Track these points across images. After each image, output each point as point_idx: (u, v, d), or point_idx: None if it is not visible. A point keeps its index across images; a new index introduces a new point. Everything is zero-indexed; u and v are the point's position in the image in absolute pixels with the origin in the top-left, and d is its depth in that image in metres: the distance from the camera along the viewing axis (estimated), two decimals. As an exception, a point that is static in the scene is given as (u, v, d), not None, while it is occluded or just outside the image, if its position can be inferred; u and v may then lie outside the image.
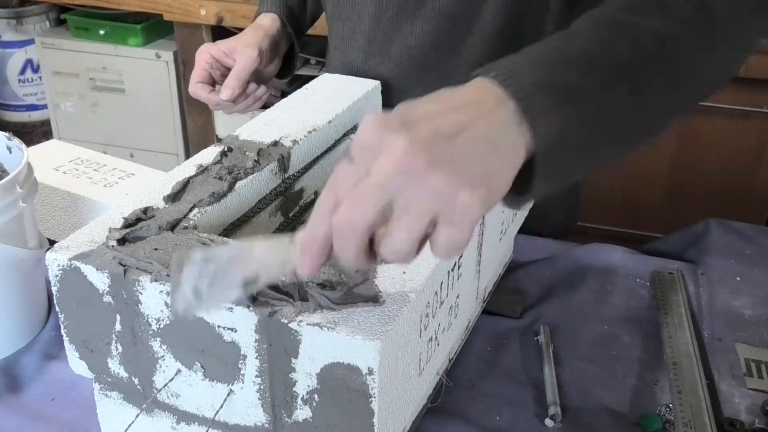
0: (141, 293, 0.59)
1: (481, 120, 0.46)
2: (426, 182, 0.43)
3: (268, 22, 1.09)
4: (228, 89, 0.99)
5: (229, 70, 1.02)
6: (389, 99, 1.05)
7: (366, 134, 0.46)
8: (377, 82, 0.95)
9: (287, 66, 1.14)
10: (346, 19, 1.07)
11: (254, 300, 0.56)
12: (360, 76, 1.05)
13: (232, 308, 0.56)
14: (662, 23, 0.53)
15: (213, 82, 1.04)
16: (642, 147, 0.56)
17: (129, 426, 0.66)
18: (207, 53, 1.02)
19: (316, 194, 0.87)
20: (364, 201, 0.44)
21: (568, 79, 0.49)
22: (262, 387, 0.59)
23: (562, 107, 0.48)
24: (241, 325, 0.57)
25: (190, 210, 0.68)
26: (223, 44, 1.04)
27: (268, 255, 0.51)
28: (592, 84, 0.49)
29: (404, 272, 0.60)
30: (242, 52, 1.01)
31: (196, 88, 1.02)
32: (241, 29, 2.40)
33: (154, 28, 2.38)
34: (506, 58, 0.50)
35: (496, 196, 0.46)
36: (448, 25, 0.99)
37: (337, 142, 0.90)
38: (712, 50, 0.56)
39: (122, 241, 0.62)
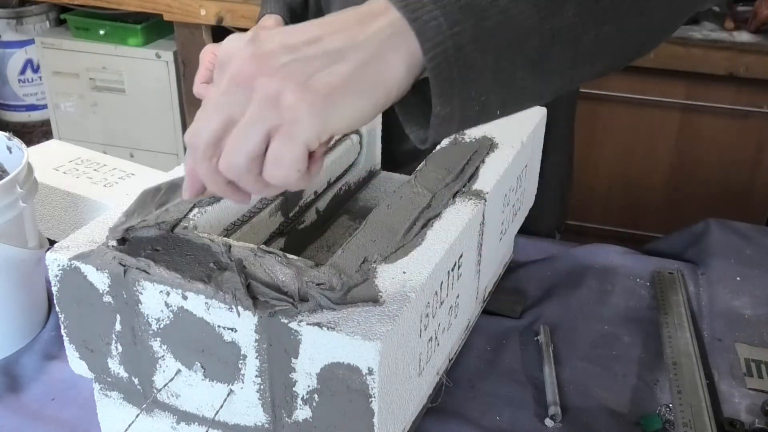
0: (141, 293, 0.59)
1: (344, 32, 0.42)
2: (255, 88, 0.41)
3: (272, 23, 1.09)
4: None
5: None
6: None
7: (224, 47, 0.44)
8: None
9: None
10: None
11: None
12: None
13: (232, 308, 0.56)
14: None
15: None
16: (562, 82, 0.47)
17: (129, 426, 0.66)
18: (211, 53, 1.02)
19: (316, 194, 0.87)
20: (205, 115, 0.43)
21: None
22: (262, 387, 0.59)
23: (458, 13, 0.41)
24: (241, 325, 0.57)
25: (190, 210, 0.68)
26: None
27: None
28: None
29: (404, 272, 0.60)
30: None
31: (201, 89, 1.02)
32: (240, 29, 2.40)
33: (154, 28, 2.38)
34: None
35: (344, 112, 0.42)
36: None
37: (337, 142, 0.90)
38: None
39: (122, 241, 0.62)
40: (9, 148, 0.87)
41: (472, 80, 0.42)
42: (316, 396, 0.57)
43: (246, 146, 0.42)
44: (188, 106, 2.37)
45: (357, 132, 0.94)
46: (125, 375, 0.65)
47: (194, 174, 0.46)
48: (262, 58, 0.42)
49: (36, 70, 2.67)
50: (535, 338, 0.87)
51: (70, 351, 0.66)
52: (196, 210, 0.68)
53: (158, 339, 0.61)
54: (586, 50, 0.45)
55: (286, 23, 1.10)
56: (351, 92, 0.42)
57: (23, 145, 0.85)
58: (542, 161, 0.99)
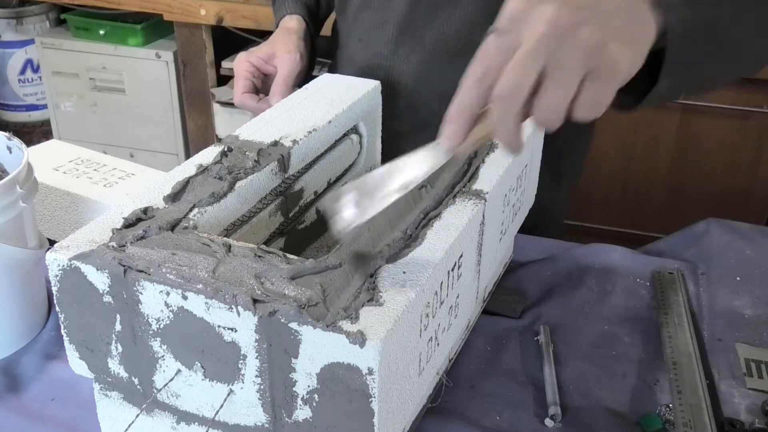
0: (141, 293, 0.59)
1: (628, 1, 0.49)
2: (577, 37, 0.45)
3: (296, 24, 1.07)
4: (278, 96, 0.98)
5: (268, 76, 1.01)
6: (417, 87, 1.04)
7: (515, 5, 0.48)
8: (377, 82, 0.95)
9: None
10: (378, 8, 1.05)
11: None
12: (385, 67, 1.03)
13: (232, 308, 0.56)
14: None
15: (257, 91, 1.02)
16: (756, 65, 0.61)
17: (129, 426, 0.66)
18: (247, 62, 1.01)
19: (316, 194, 0.87)
20: (523, 67, 0.46)
21: None
22: (262, 387, 0.59)
23: (693, 6, 0.51)
24: (241, 325, 0.57)
25: (190, 210, 0.68)
26: (260, 51, 1.02)
27: (418, 161, 0.54)
28: None
29: (404, 272, 0.60)
30: (284, 58, 1.00)
31: (243, 98, 1.00)
32: (240, 29, 2.40)
33: (154, 28, 2.38)
34: None
35: (640, 58, 0.48)
36: (487, 9, 0.98)
37: (337, 142, 0.90)
38: None
39: (122, 241, 0.62)
40: (9, 148, 0.87)
41: (693, 68, 0.53)
42: (316, 396, 0.57)
43: (568, 92, 0.46)
44: (188, 106, 2.37)
45: (357, 132, 0.94)
46: (125, 375, 0.65)
47: (468, 121, 0.49)
48: (578, 11, 0.46)
49: (36, 70, 2.67)
50: (535, 338, 0.87)
51: (70, 351, 0.66)
52: (196, 210, 0.68)
53: (158, 339, 0.61)
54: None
55: (306, 23, 1.09)
56: (641, 46, 0.49)
57: (23, 145, 0.85)
58: (562, 154, 0.97)
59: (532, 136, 0.85)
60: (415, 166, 0.54)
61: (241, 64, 1.01)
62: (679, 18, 0.51)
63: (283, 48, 1.02)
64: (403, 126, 1.06)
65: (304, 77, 1.05)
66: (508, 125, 0.48)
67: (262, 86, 1.02)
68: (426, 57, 1.04)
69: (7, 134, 0.87)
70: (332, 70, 1.17)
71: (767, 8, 0.57)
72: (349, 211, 0.55)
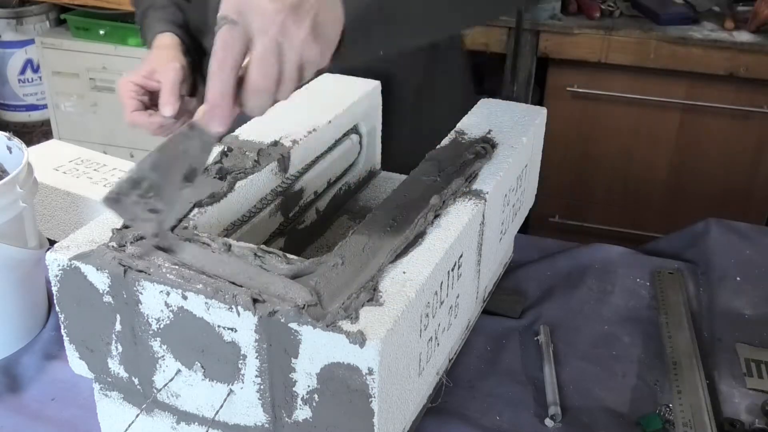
0: (141, 293, 0.59)
1: None
2: (297, 38, 0.59)
3: (169, 41, 1.07)
4: (169, 105, 0.96)
5: (153, 93, 0.99)
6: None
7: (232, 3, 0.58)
8: (377, 83, 0.95)
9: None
10: None
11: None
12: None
13: (232, 308, 0.56)
14: None
15: (146, 109, 1.00)
16: (421, 39, 0.75)
17: (129, 426, 0.66)
18: (129, 83, 1.00)
19: (316, 194, 0.87)
20: (268, 66, 0.58)
21: None
22: (262, 387, 0.59)
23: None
24: (241, 325, 0.57)
25: (190, 210, 0.68)
26: (139, 70, 1.01)
27: (181, 145, 0.60)
28: None
29: (404, 272, 0.60)
30: (165, 69, 0.99)
31: (134, 116, 0.99)
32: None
33: (154, 28, 2.38)
34: None
35: (330, 52, 0.62)
36: None
37: (337, 142, 0.90)
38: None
39: (122, 241, 0.62)
40: (9, 148, 0.87)
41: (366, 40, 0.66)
42: (316, 396, 0.57)
43: (293, 85, 0.61)
44: (188, 106, 2.37)
45: (357, 132, 0.94)
46: (125, 375, 0.65)
47: (224, 106, 0.59)
48: (292, 11, 0.59)
49: (36, 70, 2.67)
50: (535, 338, 0.87)
51: (70, 351, 0.66)
52: (196, 210, 0.68)
53: (158, 339, 0.61)
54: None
55: (180, 38, 1.08)
56: (333, 40, 0.62)
57: (23, 145, 0.85)
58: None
59: (532, 136, 0.85)
60: (189, 153, 0.60)
61: (125, 85, 1.00)
62: (356, 8, 0.63)
63: (162, 61, 1.01)
64: (395, 129, 1.06)
65: (191, 89, 1.05)
66: (263, 108, 0.60)
67: (150, 103, 1.01)
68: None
69: (7, 134, 0.87)
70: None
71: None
72: (149, 219, 0.59)
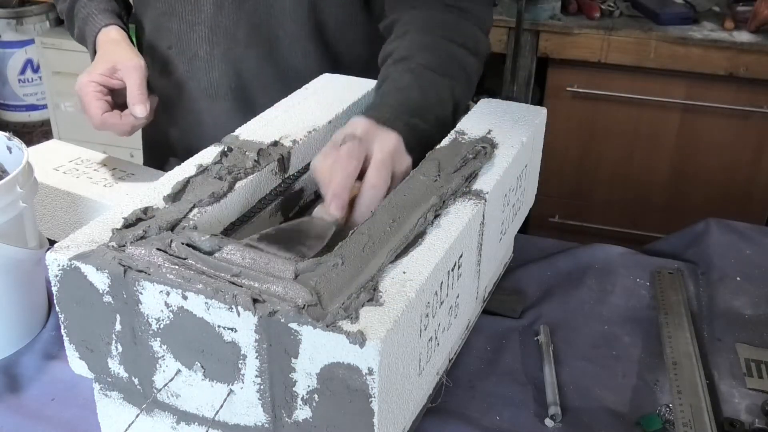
0: (141, 293, 0.59)
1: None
2: (401, 159, 0.76)
3: (117, 34, 1.04)
4: (140, 105, 0.95)
5: (114, 91, 0.98)
6: (241, 83, 1.06)
7: (363, 124, 0.76)
8: (377, 83, 0.95)
9: None
10: (183, 12, 1.05)
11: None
12: (207, 67, 1.05)
13: (232, 308, 0.56)
14: (459, 85, 0.89)
15: (111, 109, 0.98)
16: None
17: (129, 426, 0.66)
18: (92, 83, 0.97)
19: (316, 194, 0.87)
20: (384, 171, 0.73)
21: (409, 118, 0.81)
22: (262, 387, 0.59)
23: (408, 130, 0.79)
24: (241, 325, 0.57)
25: (190, 210, 0.68)
26: (99, 68, 0.98)
27: (301, 227, 0.70)
28: (419, 119, 0.82)
29: (404, 272, 0.60)
30: (129, 67, 0.97)
31: (106, 119, 0.96)
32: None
33: (154, 28, 2.38)
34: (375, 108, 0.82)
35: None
36: None
37: (337, 142, 0.90)
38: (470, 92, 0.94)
39: (122, 241, 0.62)
40: (9, 148, 0.87)
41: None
42: (316, 396, 0.57)
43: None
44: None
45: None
46: (125, 375, 0.65)
47: (344, 197, 0.71)
48: (399, 142, 0.77)
49: (36, 70, 2.67)
50: (535, 338, 0.87)
51: (70, 351, 0.66)
52: (196, 210, 0.68)
53: (158, 339, 0.61)
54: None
55: (125, 30, 1.05)
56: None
57: (23, 145, 0.85)
58: None
59: (532, 136, 0.85)
60: (320, 232, 0.69)
61: (87, 85, 0.97)
62: (409, 142, 0.78)
63: (123, 58, 0.98)
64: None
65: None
66: (372, 206, 0.70)
67: (114, 103, 0.99)
68: (244, 52, 1.05)
69: (7, 134, 0.87)
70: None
71: (441, 122, 0.86)
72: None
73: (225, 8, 1.03)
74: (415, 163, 0.77)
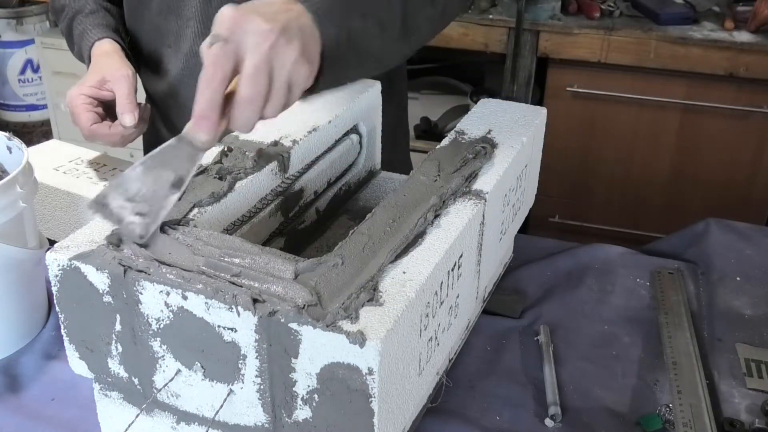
0: (141, 293, 0.59)
1: (299, 17, 0.66)
2: (285, 57, 0.62)
3: (110, 47, 1.04)
4: (128, 114, 0.95)
5: (104, 103, 0.98)
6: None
7: (228, 13, 0.61)
8: (377, 83, 0.95)
9: None
10: (178, 9, 1.05)
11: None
12: (201, 62, 1.04)
13: (232, 308, 0.56)
14: None
15: (102, 120, 0.98)
16: (379, 68, 0.83)
17: (129, 426, 0.66)
18: (81, 95, 0.97)
19: (316, 194, 0.87)
20: (257, 79, 0.60)
21: (339, 10, 0.70)
22: (262, 387, 0.59)
23: (337, 26, 0.69)
24: (241, 325, 0.57)
25: (190, 210, 0.68)
26: (89, 81, 0.99)
27: (169, 154, 0.62)
28: (355, 17, 0.72)
29: (404, 272, 0.60)
30: (118, 78, 0.97)
31: (94, 129, 0.96)
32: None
33: (154, 28, 2.38)
34: None
35: (314, 73, 0.67)
36: None
37: (337, 142, 0.90)
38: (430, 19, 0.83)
39: (122, 241, 0.62)
40: (9, 148, 0.87)
41: (341, 66, 0.71)
42: (316, 396, 0.57)
43: (281, 102, 0.64)
44: (188, 106, 2.37)
45: (357, 132, 0.94)
46: (125, 375, 0.65)
47: (212, 117, 0.61)
48: (281, 32, 0.62)
49: (36, 70, 2.67)
50: (535, 338, 0.87)
51: (70, 351, 0.66)
52: (196, 210, 0.68)
53: (158, 339, 0.61)
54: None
55: (119, 43, 1.05)
56: (315, 63, 0.67)
57: (23, 145, 0.85)
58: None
59: (532, 136, 0.85)
60: (176, 163, 0.62)
61: (77, 98, 0.97)
62: (331, 37, 0.68)
63: (112, 68, 0.99)
64: (395, 130, 1.05)
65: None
66: (250, 122, 0.62)
67: (104, 114, 0.99)
68: None
69: (7, 134, 0.87)
70: (144, 84, 1.14)
71: (386, 27, 0.76)
72: (135, 222, 0.61)
73: (213, 1, 1.03)
74: (353, 72, 0.74)
